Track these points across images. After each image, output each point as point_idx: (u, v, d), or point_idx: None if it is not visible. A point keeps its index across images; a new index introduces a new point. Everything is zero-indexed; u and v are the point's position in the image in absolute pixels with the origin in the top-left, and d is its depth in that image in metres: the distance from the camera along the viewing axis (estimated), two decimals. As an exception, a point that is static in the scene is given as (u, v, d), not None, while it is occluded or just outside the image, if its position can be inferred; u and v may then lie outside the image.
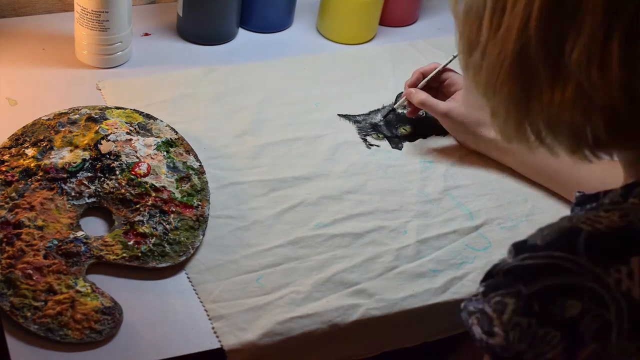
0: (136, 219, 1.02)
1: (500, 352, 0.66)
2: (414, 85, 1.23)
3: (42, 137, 1.08)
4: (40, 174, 1.04)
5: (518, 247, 0.68)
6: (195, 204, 1.05)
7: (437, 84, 1.24)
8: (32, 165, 1.05)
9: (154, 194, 1.04)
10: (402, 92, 1.31)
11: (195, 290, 0.99)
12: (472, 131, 1.18)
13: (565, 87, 0.65)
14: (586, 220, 0.66)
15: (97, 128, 1.10)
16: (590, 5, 0.62)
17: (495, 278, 0.67)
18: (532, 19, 0.64)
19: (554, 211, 1.16)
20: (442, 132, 1.25)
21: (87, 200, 1.03)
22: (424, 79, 1.23)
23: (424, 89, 1.22)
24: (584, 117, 0.66)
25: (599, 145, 0.68)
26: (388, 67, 1.38)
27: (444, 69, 1.23)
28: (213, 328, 0.95)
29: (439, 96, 1.23)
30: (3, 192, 1.01)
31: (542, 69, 0.66)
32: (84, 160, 1.06)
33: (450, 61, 1.22)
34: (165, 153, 1.09)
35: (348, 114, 1.27)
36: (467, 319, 0.68)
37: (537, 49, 0.65)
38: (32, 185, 1.03)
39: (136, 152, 1.08)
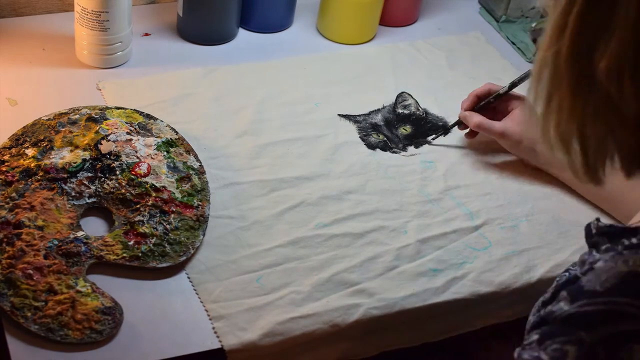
0: (136, 219, 1.02)
1: None
2: (470, 108, 1.21)
3: (42, 137, 1.08)
4: (41, 174, 1.04)
5: (574, 294, 0.65)
6: (195, 204, 1.05)
7: (492, 108, 1.23)
8: (32, 165, 1.04)
9: (154, 194, 1.04)
10: (402, 92, 1.31)
11: (195, 290, 0.99)
12: (529, 149, 1.17)
13: (589, 97, 0.63)
14: None
15: (97, 128, 1.10)
16: (622, 13, 0.60)
17: (551, 325, 0.65)
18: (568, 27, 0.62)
19: (554, 212, 1.16)
20: (442, 133, 1.25)
21: (88, 200, 1.03)
22: (478, 101, 1.21)
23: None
24: (606, 129, 0.64)
25: (629, 162, 0.65)
26: (388, 67, 1.38)
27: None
28: (213, 328, 0.95)
29: (495, 115, 1.21)
30: (3, 192, 1.01)
31: (567, 78, 0.64)
32: (84, 160, 1.06)
33: (507, 91, 1.20)
34: (165, 153, 1.09)
35: (348, 114, 1.27)
36: None
37: (566, 58, 0.63)
38: (33, 186, 1.02)
39: (136, 152, 1.08)
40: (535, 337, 0.66)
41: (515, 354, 0.68)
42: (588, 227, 0.76)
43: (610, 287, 0.64)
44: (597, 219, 0.75)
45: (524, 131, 1.16)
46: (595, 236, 0.74)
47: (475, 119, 1.19)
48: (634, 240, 0.68)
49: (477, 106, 1.22)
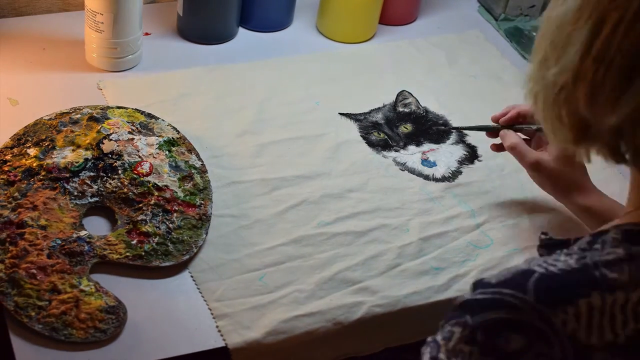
0: (139, 218, 1.02)
1: None
2: (507, 122, 1.11)
3: (44, 137, 1.08)
4: (43, 173, 1.04)
5: (475, 284, 0.70)
6: (198, 203, 1.05)
7: (532, 133, 1.13)
8: (34, 165, 1.05)
9: (156, 193, 1.04)
10: (402, 91, 1.32)
11: (198, 289, 0.99)
12: (561, 190, 1.08)
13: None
14: (543, 262, 0.69)
15: (99, 127, 1.10)
16: None
17: (451, 311, 0.70)
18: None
19: (554, 209, 1.16)
20: (443, 131, 1.26)
21: (90, 200, 1.03)
22: (517, 117, 1.11)
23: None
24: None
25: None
26: (388, 66, 1.38)
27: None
28: (217, 327, 0.95)
29: (531, 144, 1.11)
30: (6, 192, 1.01)
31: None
32: (86, 159, 1.06)
33: None
34: (167, 152, 1.09)
35: (349, 112, 1.27)
36: (423, 350, 0.70)
37: None
38: (35, 185, 1.03)
39: (138, 151, 1.08)
40: (441, 322, 0.70)
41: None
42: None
43: (502, 280, 0.68)
44: (543, 233, 0.79)
45: (561, 171, 1.06)
46: (539, 248, 0.78)
47: (513, 139, 1.09)
48: (563, 251, 0.71)
49: (516, 125, 1.11)
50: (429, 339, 0.70)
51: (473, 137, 1.26)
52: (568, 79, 0.67)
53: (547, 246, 0.77)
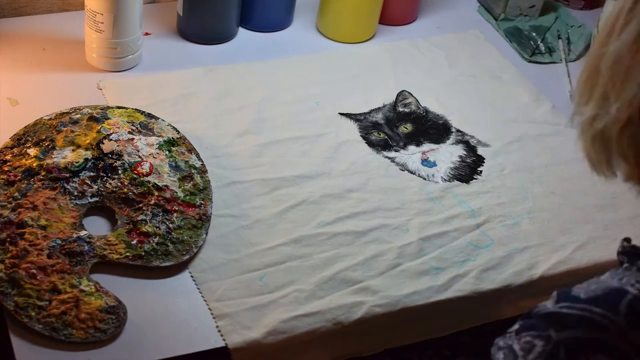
0: (139, 218, 1.02)
1: None
2: None
3: (44, 137, 1.08)
4: (43, 173, 1.04)
5: (560, 295, 0.68)
6: (198, 203, 1.05)
7: None
8: (34, 164, 1.04)
9: (156, 193, 1.04)
10: (402, 91, 1.32)
11: (199, 289, 0.99)
12: None
13: None
14: (636, 283, 0.66)
15: (99, 127, 1.10)
16: None
17: (532, 319, 0.68)
18: None
19: (555, 209, 1.17)
20: (443, 130, 1.26)
21: (90, 200, 1.03)
22: None
23: None
24: None
25: None
26: (388, 66, 1.38)
27: None
28: (217, 326, 0.95)
29: None
30: (6, 192, 1.01)
31: None
32: (86, 159, 1.06)
33: None
34: (167, 152, 1.09)
35: (349, 112, 1.27)
36: (495, 353, 0.68)
37: None
38: (35, 185, 1.02)
39: (138, 151, 1.08)
40: (516, 326, 0.68)
41: (495, 340, 0.70)
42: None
43: (592, 297, 0.66)
44: (625, 239, 0.76)
45: None
46: (619, 254, 0.75)
47: None
48: None
49: None
50: (500, 342, 0.68)
51: (473, 138, 1.26)
52: (633, 113, 0.65)
53: (630, 254, 0.73)
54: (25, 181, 1.03)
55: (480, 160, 1.22)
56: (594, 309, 0.65)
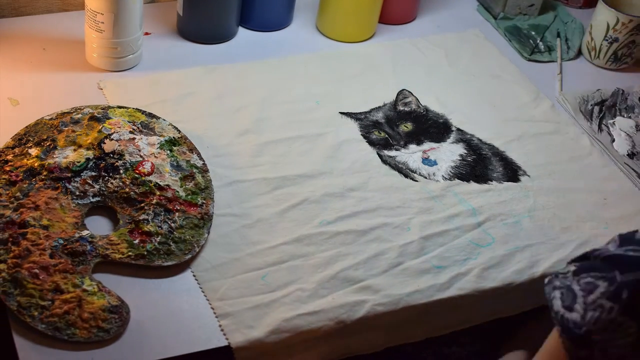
0: (141, 218, 1.02)
1: (572, 327, 0.67)
2: None
3: (45, 137, 1.08)
4: (44, 173, 1.04)
5: (624, 239, 0.68)
6: (199, 202, 1.05)
7: None
8: (35, 164, 1.04)
9: (158, 193, 1.04)
10: (403, 90, 1.32)
11: (201, 288, 0.99)
12: None
13: None
14: None
15: (100, 127, 1.10)
16: None
17: (591, 261, 0.68)
18: None
19: (555, 207, 1.17)
20: (444, 129, 1.26)
21: (92, 199, 1.03)
22: None
23: None
24: None
25: None
26: (388, 65, 1.38)
27: None
28: (220, 326, 0.95)
29: None
30: (8, 192, 1.01)
31: None
32: (88, 159, 1.06)
33: None
34: (168, 152, 1.09)
35: (349, 111, 1.27)
36: (551, 292, 0.69)
37: None
38: (37, 185, 1.02)
39: (140, 150, 1.08)
40: (572, 268, 0.68)
41: (545, 280, 0.70)
42: None
43: None
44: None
45: None
46: None
47: None
48: None
49: None
50: (556, 282, 0.68)
51: (474, 136, 1.26)
52: None
53: None
54: (27, 181, 1.03)
55: (480, 158, 1.23)
56: None
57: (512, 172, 1.21)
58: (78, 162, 1.06)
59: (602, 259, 0.67)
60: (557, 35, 1.51)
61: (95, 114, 1.12)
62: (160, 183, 1.05)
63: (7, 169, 1.04)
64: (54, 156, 1.06)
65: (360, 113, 1.27)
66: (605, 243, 0.71)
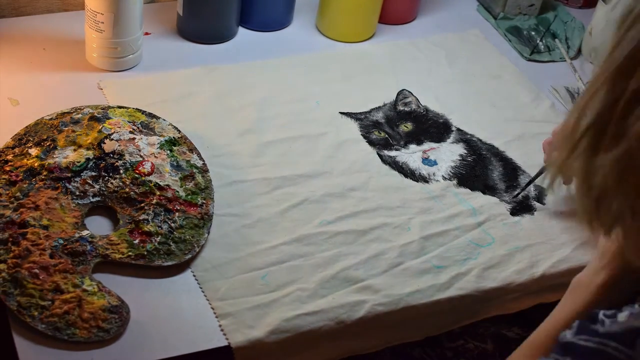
0: (141, 218, 1.02)
1: None
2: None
3: (45, 137, 1.08)
4: (44, 173, 1.04)
5: (581, 327, 0.72)
6: (199, 202, 1.05)
7: None
8: (35, 164, 1.04)
9: (158, 193, 1.04)
10: (403, 90, 1.32)
11: (201, 288, 0.99)
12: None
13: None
14: None
15: (100, 127, 1.10)
16: None
17: (556, 345, 0.73)
18: None
19: (555, 207, 1.17)
20: (444, 129, 1.26)
21: (92, 199, 1.03)
22: None
23: None
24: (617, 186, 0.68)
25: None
26: (388, 65, 1.38)
27: None
28: (220, 326, 0.95)
29: None
30: (8, 192, 1.01)
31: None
32: (88, 159, 1.06)
33: None
34: (168, 152, 1.09)
35: (349, 111, 1.27)
36: None
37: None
38: (37, 185, 1.02)
39: (140, 150, 1.08)
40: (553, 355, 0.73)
41: None
42: None
43: (612, 333, 0.70)
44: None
45: None
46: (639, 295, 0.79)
47: None
48: None
49: None
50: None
51: (474, 136, 1.26)
52: None
53: None
54: (27, 181, 1.03)
55: (480, 157, 1.23)
56: (610, 342, 0.69)
57: (512, 172, 1.21)
58: (78, 162, 1.06)
59: (561, 345, 0.72)
60: (553, 36, 1.50)
61: (95, 114, 1.12)
62: (160, 183, 1.05)
63: (7, 169, 1.04)
64: (54, 156, 1.06)
65: (360, 113, 1.27)
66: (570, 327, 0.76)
